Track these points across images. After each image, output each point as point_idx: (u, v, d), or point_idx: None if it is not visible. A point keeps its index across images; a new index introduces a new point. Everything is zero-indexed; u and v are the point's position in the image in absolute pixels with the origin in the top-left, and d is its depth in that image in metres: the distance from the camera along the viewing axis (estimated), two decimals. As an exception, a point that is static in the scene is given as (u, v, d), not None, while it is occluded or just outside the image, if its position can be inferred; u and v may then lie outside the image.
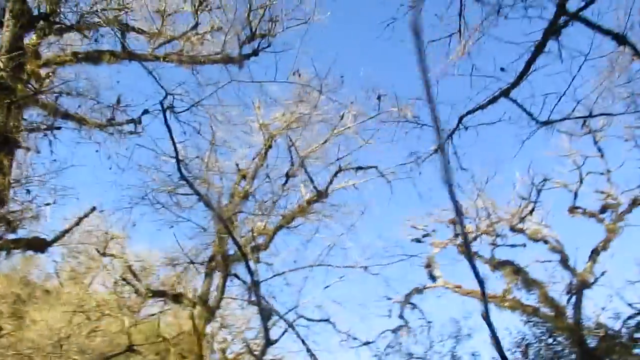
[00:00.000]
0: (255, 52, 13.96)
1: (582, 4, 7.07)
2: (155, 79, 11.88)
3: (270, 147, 15.84)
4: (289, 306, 14.02)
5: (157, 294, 16.61)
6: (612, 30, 7.67)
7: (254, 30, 13.65)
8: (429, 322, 16.01)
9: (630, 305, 13.90)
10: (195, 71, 12.65)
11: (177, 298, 16.30)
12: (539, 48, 8.03)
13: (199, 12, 13.40)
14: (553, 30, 7.29)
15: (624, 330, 13.69)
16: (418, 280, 16.42)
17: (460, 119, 9.86)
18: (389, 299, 16.20)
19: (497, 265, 15.35)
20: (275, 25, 13.79)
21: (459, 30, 9.91)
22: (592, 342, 13.78)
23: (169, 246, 16.17)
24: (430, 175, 12.59)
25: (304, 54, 13.53)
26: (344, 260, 14.36)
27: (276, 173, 15.31)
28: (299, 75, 13.10)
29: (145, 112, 13.20)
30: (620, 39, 7.90)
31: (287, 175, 15.56)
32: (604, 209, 15.27)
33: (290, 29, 13.77)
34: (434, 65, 9.70)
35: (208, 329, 16.03)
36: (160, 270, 16.94)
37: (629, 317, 13.86)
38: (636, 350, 13.58)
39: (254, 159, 15.69)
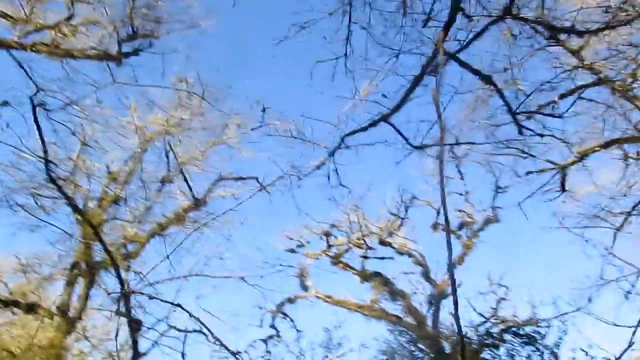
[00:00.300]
0: (135, 52, 13.36)
1: (459, 46, 7.81)
2: (25, 71, 10.93)
3: (145, 150, 15.21)
4: (160, 317, 13.43)
5: (8, 303, 15.08)
6: (480, 70, 8.58)
7: (135, 28, 13.08)
8: (300, 331, 16.33)
9: (479, 314, 15.44)
10: (69, 66, 11.81)
11: (31, 308, 14.93)
12: (418, 80, 8.73)
13: (74, 3, 12.55)
14: (431, 68, 7.95)
15: (474, 336, 15.13)
16: (291, 290, 16.73)
17: (343, 138, 10.37)
18: (261, 308, 16.30)
19: (367, 276, 16.18)
20: (159, 26, 13.36)
21: (345, 54, 10.45)
22: (448, 349, 15.03)
23: (27, 252, 14.78)
24: (310, 189, 12.93)
25: (189, 59, 13.27)
26: (220, 270, 14.14)
27: (152, 178, 14.73)
28: (185, 82, 12.78)
29: (5, 103, 12.04)
30: (486, 79, 8.87)
31: (163, 181, 15.04)
32: (461, 226, 16.83)
33: (175, 32, 13.46)
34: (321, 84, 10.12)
35: (68, 341, 14.86)
36: (13, 278, 15.37)
37: (478, 325, 15.36)
38: (484, 355, 15.06)
39: (127, 162, 14.95)
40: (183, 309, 12.24)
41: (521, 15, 7.94)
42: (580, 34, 8.59)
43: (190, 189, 14.33)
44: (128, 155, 14.72)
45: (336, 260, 16.62)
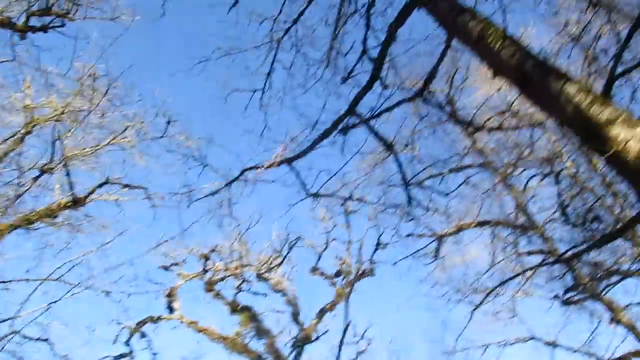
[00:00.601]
0: (44, 28, 12.56)
1: (371, 112, 8.26)
2: None
3: (30, 133, 14.03)
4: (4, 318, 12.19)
5: None
6: (385, 138, 9.10)
7: (49, 4, 12.31)
8: (155, 353, 15.61)
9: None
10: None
11: None
12: (326, 134, 9.03)
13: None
14: (341, 127, 8.29)
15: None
16: (156, 310, 16.02)
17: (243, 171, 10.36)
18: (119, 324, 15.40)
19: (236, 308, 15.97)
20: (76, 8, 12.66)
21: (263, 89, 10.59)
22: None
23: None
24: (198, 209, 12.64)
25: (101, 51, 12.65)
26: (85, 278, 13.12)
27: (30, 164, 13.54)
28: (92, 75, 12.16)
29: None
30: (389, 147, 9.40)
31: (43, 170, 13.90)
32: (338, 274, 17.28)
33: (93, 20, 12.83)
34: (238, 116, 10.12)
35: None
36: None
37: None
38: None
39: (6, 141, 13.65)
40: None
41: (431, 99, 8.59)
42: (475, 127, 9.42)
43: (71, 186, 13.36)
44: (8, 134, 13.47)
45: (209, 286, 16.26)
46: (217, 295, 16.19)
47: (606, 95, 5.14)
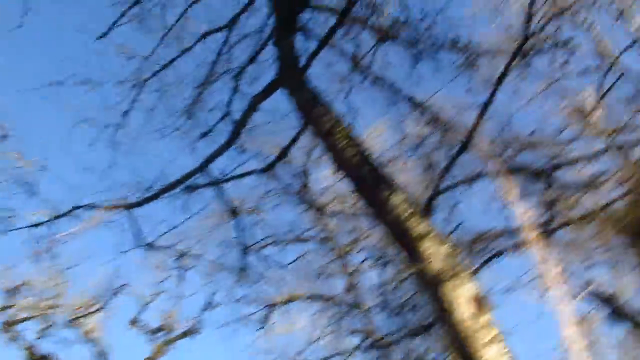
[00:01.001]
0: None
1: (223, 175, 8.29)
2: None
3: None
4: None
5: None
6: (231, 203, 9.13)
7: None
8: None
9: None
10: None
11: None
12: (171, 187, 8.81)
13: None
14: (189, 184, 8.18)
15: None
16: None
17: (73, 208, 9.63)
18: None
19: (32, 356, 14.20)
20: None
21: (117, 126, 10.13)
22: None
23: None
24: (13, 241, 11.34)
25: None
26: None
27: None
28: None
29: None
30: (233, 212, 9.43)
31: None
32: (160, 329, 16.24)
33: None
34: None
35: None
36: None
37: None
38: None
39: None
40: None
41: (282, 174, 8.90)
42: (318, 209, 9.89)
43: None
44: None
45: (8, 325, 14.32)
46: (14, 337, 14.28)
47: (427, 209, 5.73)
